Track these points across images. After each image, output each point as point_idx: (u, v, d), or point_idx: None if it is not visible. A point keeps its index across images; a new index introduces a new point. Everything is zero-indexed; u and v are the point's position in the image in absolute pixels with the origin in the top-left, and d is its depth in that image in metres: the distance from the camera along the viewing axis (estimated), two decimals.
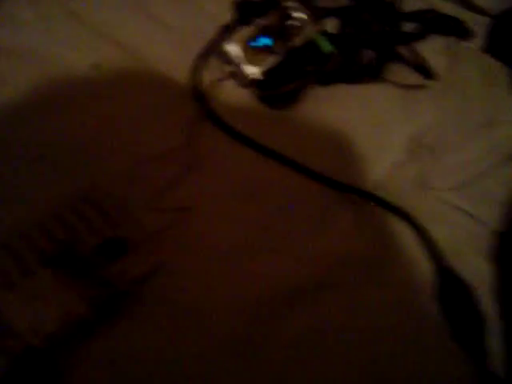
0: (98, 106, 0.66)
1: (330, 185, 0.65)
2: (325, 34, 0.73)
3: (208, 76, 0.70)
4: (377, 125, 0.71)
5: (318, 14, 0.75)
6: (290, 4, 0.72)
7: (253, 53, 0.70)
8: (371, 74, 0.74)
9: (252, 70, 0.70)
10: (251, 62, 0.70)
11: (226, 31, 0.74)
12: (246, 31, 0.71)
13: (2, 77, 0.65)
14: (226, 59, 0.71)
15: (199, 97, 0.68)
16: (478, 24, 0.80)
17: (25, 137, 0.63)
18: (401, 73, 0.74)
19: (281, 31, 0.69)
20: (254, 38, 0.71)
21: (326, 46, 0.72)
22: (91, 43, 0.70)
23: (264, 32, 0.71)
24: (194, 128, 0.64)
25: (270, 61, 0.70)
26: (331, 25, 0.76)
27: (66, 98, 0.66)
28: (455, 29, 0.80)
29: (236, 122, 0.67)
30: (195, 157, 0.64)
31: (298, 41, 0.71)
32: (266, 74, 0.69)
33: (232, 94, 0.70)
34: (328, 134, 0.68)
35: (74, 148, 0.63)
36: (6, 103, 0.64)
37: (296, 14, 0.72)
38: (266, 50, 0.70)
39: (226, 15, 0.75)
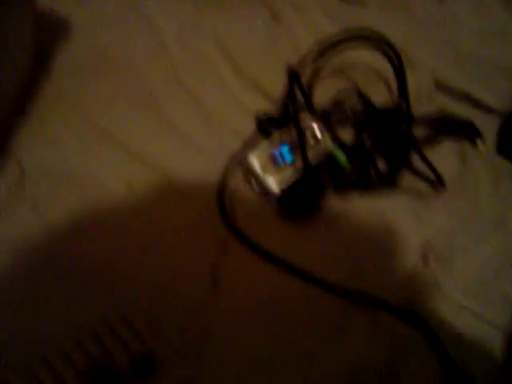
0: (131, 226, 0.70)
1: (347, 296, 0.69)
2: (340, 145, 0.77)
3: (232, 188, 0.75)
4: (390, 232, 0.74)
5: (333, 127, 0.80)
6: (307, 118, 0.76)
7: (273, 166, 0.75)
8: (385, 182, 0.77)
9: (272, 184, 0.74)
10: (272, 175, 0.75)
11: (249, 145, 0.79)
12: (267, 145, 0.76)
13: (40, 199, 0.71)
14: (249, 172, 0.75)
15: (224, 212, 0.72)
16: (487, 124, 0.84)
17: (65, 257, 0.69)
18: (414, 180, 0.77)
19: (299, 144, 0.73)
20: (275, 151, 0.75)
21: (343, 160, 0.76)
22: (122, 161, 0.75)
23: (284, 145, 0.75)
24: (220, 245, 0.69)
25: (289, 175, 0.75)
26: (346, 133, 0.80)
27: (101, 217, 0.71)
28: (465, 131, 0.83)
29: (258, 234, 0.71)
30: (221, 274, 0.67)
31: (315, 153, 0.75)
32: (284, 190, 0.73)
33: (254, 206, 0.75)
34: (344, 244, 0.73)
35: (107, 268, 0.68)
36: (46, 224, 0.69)
37: (313, 127, 0.76)
38: (286, 162, 0.75)
39: (248, 129, 0.80)
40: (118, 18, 0.90)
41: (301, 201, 0.73)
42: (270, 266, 0.70)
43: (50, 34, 0.86)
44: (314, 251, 0.72)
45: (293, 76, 0.77)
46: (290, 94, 0.76)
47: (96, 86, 0.81)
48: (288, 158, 0.75)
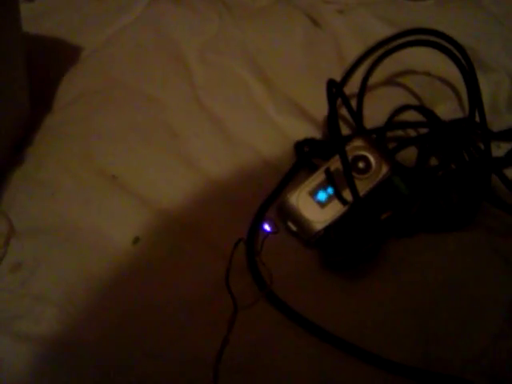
0: (140, 288, 0.57)
1: (408, 375, 0.53)
2: (401, 171, 0.61)
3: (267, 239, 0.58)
4: (468, 284, 0.58)
5: (390, 152, 0.64)
6: (357, 144, 0.61)
7: (317, 202, 0.60)
8: (461, 218, 0.61)
9: (314, 223, 0.59)
10: (314, 213, 0.59)
11: (286, 180, 0.64)
12: (308, 179, 0.61)
13: (29, 263, 0.58)
14: (286, 213, 0.60)
15: (254, 269, 0.57)
16: None
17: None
18: (495, 212, 0.60)
19: (348, 176, 0.58)
20: (318, 186, 0.60)
21: (403, 188, 0.60)
22: (133, 212, 0.62)
23: (329, 178, 0.60)
24: (248, 310, 0.53)
25: (335, 212, 0.59)
26: (406, 156, 0.64)
27: (107, 275, 0.58)
28: None
29: (294, 294, 0.57)
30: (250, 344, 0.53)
31: (368, 184, 0.59)
32: (330, 230, 0.58)
33: (291, 258, 0.60)
34: (405, 307, 0.57)
35: None
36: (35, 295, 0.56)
37: (366, 155, 0.60)
38: (332, 199, 0.59)
39: (285, 161, 0.67)
40: (132, 35, 0.76)
41: (349, 243, 0.57)
42: (310, 338, 0.54)
43: (52, 62, 0.73)
44: (367, 313, 0.57)
45: (333, 87, 0.61)
46: (330, 112, 0.61)
47: (102, 120, 0.69)
48: (334, 192, 0.61)
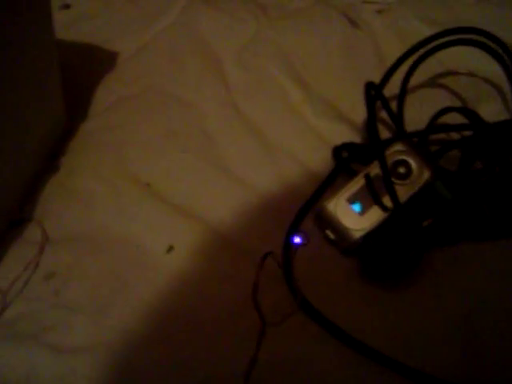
0: (173, 298, 0.56)
1: None
2: (443, 176, 0.58)
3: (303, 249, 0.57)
4: None
5: (432, 155, 0.61)
6: (397, 148, 0.59)
7: (356, 209, 0.57)
8: (506, 226, 0.58)
9: (353, 230, 0.57)
10: (353, 220, 0.57)
11: (324, 186, 0.62)
12: (347, 185, 0.59)
13: (63, 273, 0.57)
14: (324, 222, 0.58)
15: (290, 281, 0.56)
16: None
17: None
18: None
19: (387, 182, 0.55)
20: (357, 192, 0.58)
21: (446, 193, 0.57)
22: (167, 221, 0.61)
23: (369, 184, 0.58)
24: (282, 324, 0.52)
25: (375, 219, 0.57)
26: (449, 161, 0.61)
27: (140, 284, 0.57)
28: None
29: (332, 306, 0.54)
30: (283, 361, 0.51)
31: (409, 191, 0.57)
32: (369, 238, 0.56)
33: (329, 268, 0.58)
34: (448, 319, 0.54)
35: None
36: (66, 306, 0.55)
37: (407, 159, 0.58)
38: (372, 206, 0.57)
39: (323, 166, 0.65)
40: (168, 39, 0.76)
41: (389, 252, 0.55)
42: (348, 352, 0.52)
43: (88, 69, 0.73)
44: (409, 326, 0.54)
45: (372, 90, 0.59)
46: (369, 116, 0.59)
47: (137, 127, 0.68)
48: (375, 198, 0.58)
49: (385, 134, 0.66)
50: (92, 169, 0.65)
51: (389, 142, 0.61)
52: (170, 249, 0.58)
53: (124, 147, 0.66)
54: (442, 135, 0.65)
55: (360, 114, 0.66)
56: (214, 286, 0.56)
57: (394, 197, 0.56)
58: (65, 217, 0.61)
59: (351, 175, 0.60)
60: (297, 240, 0.54)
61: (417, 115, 0.66)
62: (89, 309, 0.54)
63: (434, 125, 0.65)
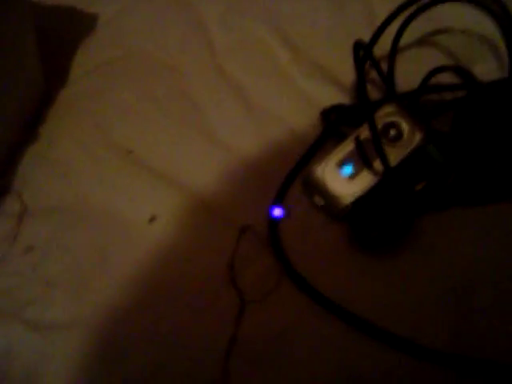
0: (155, 270, 0.54)
1: (441, 361, 0.48)
2: (436, 138, 0.56)
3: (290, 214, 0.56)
4: (508, 265, 0.53)
5: (425, 116, 0.59)
6: (388, 110, 0.56)
7: (345, 174, 0.55)
8: (500, 190, 0.56)
9: (342, 195, 0.55)
10: (342, 185, 0.55)
11: (312, 151, 0.60)
12: (336, 149, 0.57)
13: (41, 244, 0.55)
14: (312, 187, 0.56)
15: (276, 246, 0.53)
16: None
17: None
18: None
19: (377, 144, 0.53)
20: (347, 156, 0.56)
21: (438, 156, 0.55)
22: (149, 189, 0.59)
23: (359, 147, 0.56)
24: (268, 285, 0.50)
25: (365, 184, 0.55)
26: (442, 123, 0.59)
27: (121, 256, 0.55)
28: None
29: (320, 275, 0.53)
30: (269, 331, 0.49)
31: (400, 153, 0.55)
32: (359, 204, 0.54)
33: (318, 235, 0.55)
34: (439, 286, 0.52)
35: None
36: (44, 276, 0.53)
37: (397, 122, 0.55)
38: (362, 170, 0.55)
39: (311, 129, 0.62)
40: (148, 1, 0.73)
41: (380, 217, 0.52)
42: (336, 322, 0.50)
43: (66, 34, 0.70)
44: (398, 294, 0.52)
45: (361, 49, 0.56)
46: (358, 77, 0.56)
47: (117, 93, 0.65)
48: (364, 162, 0.56)
49: (375, 95, 0.63)
50: (72, 137, 0.63)
51: (379, 104, 0.58)
52: (153, 219, 0.57)
53: (104, 114, 0.64)
54: (434, 96, 0.62)
55: (350, 75, 0.64)
56: (196, 257, 0.54)
57: (384, 160, 0.54)
58: (44, 188, 0.59)
59: (340, 139, 0.58)
60: (277, 213, 0.52)
61: (408, 75, 0.63)
62: (68, 283, 0.53)
63: (426, 85, 0.62)
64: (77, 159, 0.61)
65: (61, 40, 0.71)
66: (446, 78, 0.61)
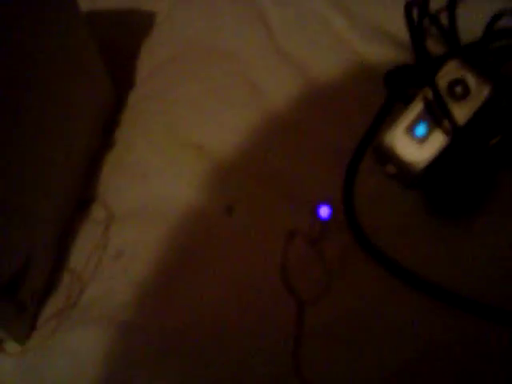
0: (235, 261, 0.55)
1: None
2: (507, 88, 0.54)
3: (362, 184, 0.56)
4: None
5: (493, 66, 0.57)
6: (451, 66, 0.54)
7: (416, 138, 0.54)
8: None
9: (416, 166, 0.54)
10: (415, 155, 0.54)
11: (379, 119, 0.59)
12: (404, 113, 0.55)
13: (141, 243, 0.58)
14: (383, 156, 0.56)
15: (352, 220, 0.54)
16: None
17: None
18: None
19: (441, 105, 0.52)
20: (416, 120, 0.55)
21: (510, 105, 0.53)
22: (223, 181, 0.60)
23: (428, 108, 0.54)
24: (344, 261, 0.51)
25: (438, 148, 0.53)
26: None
27: (203, 251, 0.57)
28: None
29: (397, 247, 0.52)
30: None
31: (469, 110, 0.53)
32: (433, 168, 0.53)
33: (392, 205, 0.55)
34: None
35: None
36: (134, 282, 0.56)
37: (463, 78, 0.54)
38: (433, 132, 0.54)
39: (377, 95, 0.61)
40: None
41: (455, 181, 0.51)
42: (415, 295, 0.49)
43: (127, 35, 0.72)
44: (479, 261, 0.50)
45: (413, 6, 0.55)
46: (414, 36, 0.54)
47: (182, 89, 0.68)
48: (435, 124, 0.54)
49: (439, 49, 0.61)
50: (146, 139, 0.65)
51: (442, 60, 0.56)
52: (230, 209, 0.57)
53: (173, 112, 0.66)
54: (502, 42, 0.59)
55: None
56: (275, 242, 0.54)
57: (451, 120, 0.52)
58: (125, 192, 0.62)
59: (408, 102, 0.56)
60: (323, 212, 0.51)
61: (471, 24, 0.60)
62: (158, 285, 0.55)
63: (491, 32, 0.59)
64: (153, 160, 0.63)
65: (122, 44, 0.72)
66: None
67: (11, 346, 0.54)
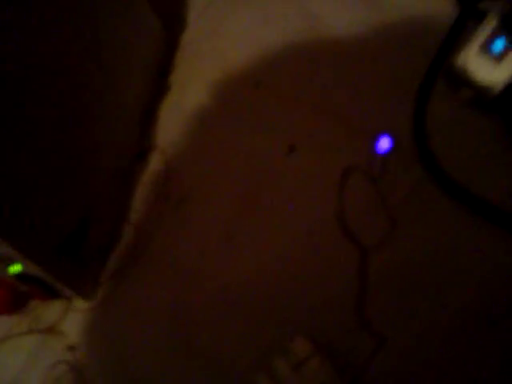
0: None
1: None
2: None
3: (433, 113, 0.51)
4: None
5: None
6: None
7: (493, 59, 0.49)
8: None
9: (494, 86, 0.49)
10: (492, 74, 0.49)
11: (451, 38, 0.54)
12: (477, 31, 0.51)
13: (201, 191, 0.56)
14: (457, 79, 0.51)
15: (424, 153, 0.49)
16: None
17: None
18: None
19: None
20: (491, 36, 0.49)
21: None
22: (283, 118, 0.57)
23: (504, 22, 0.49)
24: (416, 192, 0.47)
25: None
26: None
27: (267, 196, 0.54)
28: None
29: (474, 177, 0.47)
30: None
31: None
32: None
33: (468, 134, 0.50)
34: None
35: None
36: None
37: None
38: (510, 50, 0.49)
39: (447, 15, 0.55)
40: None
41: None
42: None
43: None
44: None
45: None
46: None
47: (234, 23, 0.65)
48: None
49: None
50: (201, 80, 0.62)
51: None
52: (292, 148, 0.54)
53: (226, 50, 0.63)
54: None
55: None
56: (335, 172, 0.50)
57: None
58: (184, 139, 0.59)
59: (481, 18, 0.51)
60: (384, 144, 0.46)
61: None
62: (219, 233, 0.53)
63: None
64: (209, 103, 0.60)
65: None
66: None
67: (79, 303, 0.53)
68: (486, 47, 0.50)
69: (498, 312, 0.42)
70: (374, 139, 0.46)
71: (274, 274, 0.49)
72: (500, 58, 0.50)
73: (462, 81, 0.52)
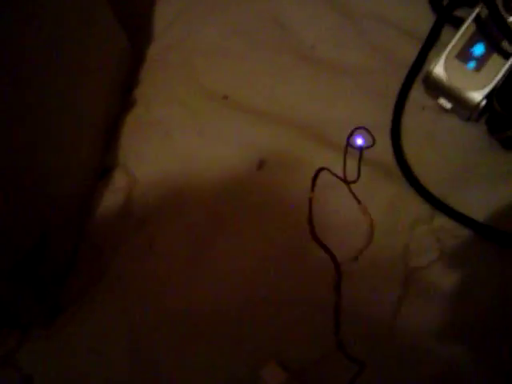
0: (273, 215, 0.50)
1: None
2: None
3: (412, 123, 0.50)
4: None
5: None
6: None
7: (471, 68, 0.47)
8: None
9: (474, 96, 0.47)
10: (471, 83, 0.47)
11: (427, 46, 0.52)
12: (454, 38, 0.49)
13: (166, 209, 0.52)
14: (435, 88, 0.48)
15: (403, 166, 0.47)
16: None
17: None
18: None
19: (497, 20, 0.44)
20: (468, 44, 0.47)
21: None
22: (252, 133, 0.54)
23: (480, 29, 0.47)
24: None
25: (497, 73, 0.46)
26: None
27: (235, 211, 0.51)
28: None
29: (457, 189, 0.46)
30: None
31: None
32: (493, 97, 0.45)
33: (449, 141, 0.49)
34: None
35: None
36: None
37: None
38: (489, 56, 0.46)
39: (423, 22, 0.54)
40: None
41: None
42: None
43: None
44: None
45: None
46: None
47: (202, 35, 0.61)
48: (490, 48, 0.48)
49: None
50: (167, 94, 0.59)
51: None
52: (261, 163, 0.51)
53: (193, 61, 0.60)
54: None
55: None
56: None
57: (509, 37, 0.44)
58: (147, 155, 0.56)
59: (457, 25, 0.48)
60: (359, 141, 0.44)
61: None
62: (185, 254, 0.49)
63: None
64: (175, 116, 0.57)
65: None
66: None
67: (36, 330, 0.50)
68: (464, 55, 0.48)
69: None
70: (348, 149, 0.43)
71: (243, 296, 0.46)
72: (479, 65, 0.48)
73: (439, 91, 0.49)
